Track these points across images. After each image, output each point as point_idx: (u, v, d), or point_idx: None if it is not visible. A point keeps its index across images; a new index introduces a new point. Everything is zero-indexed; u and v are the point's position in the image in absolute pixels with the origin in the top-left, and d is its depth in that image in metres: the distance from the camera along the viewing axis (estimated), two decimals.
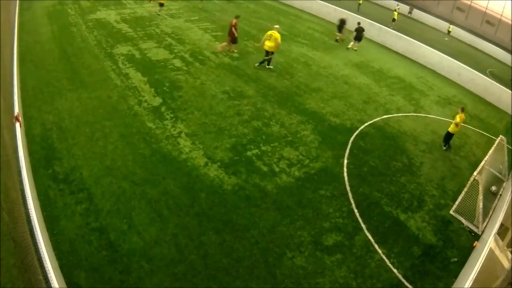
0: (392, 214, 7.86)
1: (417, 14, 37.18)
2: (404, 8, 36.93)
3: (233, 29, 13.56)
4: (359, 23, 18.27)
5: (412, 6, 36.99)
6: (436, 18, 35.94)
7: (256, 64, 13.58)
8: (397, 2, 35.56)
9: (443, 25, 34.89)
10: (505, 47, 31.02)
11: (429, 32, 31.86)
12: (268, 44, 13.00)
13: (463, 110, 10.62)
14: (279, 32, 13.04)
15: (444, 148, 10.89)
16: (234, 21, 13.57)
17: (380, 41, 20.97)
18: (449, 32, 33.37)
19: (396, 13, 28.41)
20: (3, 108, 5.33)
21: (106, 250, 5.75)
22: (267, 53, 13.35)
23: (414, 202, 8.43)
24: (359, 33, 18.05)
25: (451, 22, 34.55)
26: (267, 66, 13.66)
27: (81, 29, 14.47)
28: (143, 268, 5.57)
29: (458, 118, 10.38)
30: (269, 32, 12.97)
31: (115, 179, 7.18)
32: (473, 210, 8.04)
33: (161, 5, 17.60)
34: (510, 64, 25.57)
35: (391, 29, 22.05)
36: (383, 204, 8.08)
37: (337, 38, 19.04)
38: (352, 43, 18.31)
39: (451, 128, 10.68)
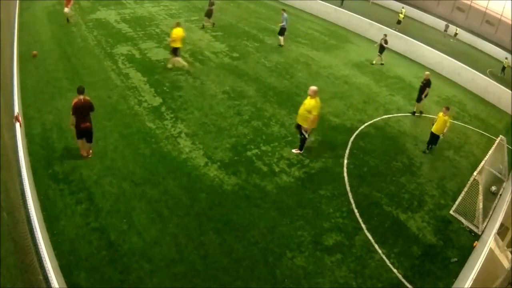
0: (392, 214, 7.85)
1: (466, 35, 33.22)
2: (440, 24, 34.46)
3: None
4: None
5: (448, 23, 33.95)
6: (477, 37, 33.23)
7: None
8: (402, 4, 35.20)
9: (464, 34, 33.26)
10: (505, 47, 30.95)
11: (432, 33, 31.85)
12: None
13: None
14: None
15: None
16: None
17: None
18: (455, 34, 32.80)
19: (401, 15, 28.16)
20: (3, 108, 5.33)
21: (106, 250, 5.75)
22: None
23: (414, 202, 8.43)
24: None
25: (451, 22, 34.45)
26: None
27: (81, 29, 14.48)
28: (143, 268, 5.57)
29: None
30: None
31: (115, 179, 7.19)
32: (473, 210, 8.03)
33: None
34: (510, 64, 25.53)
35: (396, 31, 21.97)
36: (383, 204, 8.07)
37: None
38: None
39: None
